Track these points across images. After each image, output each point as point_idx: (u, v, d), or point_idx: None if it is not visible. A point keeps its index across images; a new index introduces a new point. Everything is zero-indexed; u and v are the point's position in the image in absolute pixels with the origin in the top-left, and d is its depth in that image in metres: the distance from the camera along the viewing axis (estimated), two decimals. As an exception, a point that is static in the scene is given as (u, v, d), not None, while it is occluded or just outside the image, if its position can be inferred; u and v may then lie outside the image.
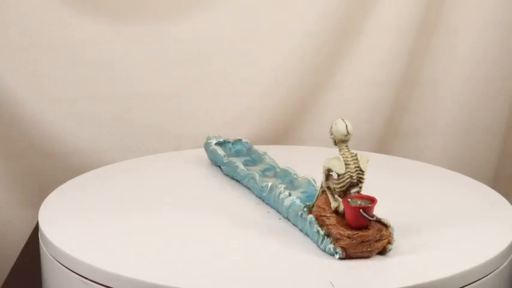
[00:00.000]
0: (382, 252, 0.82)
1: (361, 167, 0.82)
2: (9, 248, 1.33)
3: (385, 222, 0.83)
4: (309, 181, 0.98)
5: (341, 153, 0.83)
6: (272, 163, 1.07)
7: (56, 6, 1.26)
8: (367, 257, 0.82)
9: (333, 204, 0.83)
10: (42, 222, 0.92)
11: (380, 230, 0.82)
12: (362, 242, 0.80)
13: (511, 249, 0.87)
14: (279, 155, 1.23)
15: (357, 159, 0.83)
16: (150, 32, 1.31)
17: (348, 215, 0.81)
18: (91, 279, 0.80)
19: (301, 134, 1.39)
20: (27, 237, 1.22)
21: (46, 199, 1.00)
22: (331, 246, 0.81)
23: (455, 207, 0.99)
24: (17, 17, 1.26)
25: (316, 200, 0.86)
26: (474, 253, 0.84)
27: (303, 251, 0.84)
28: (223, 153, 1.11)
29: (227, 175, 1.09)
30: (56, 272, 0.86)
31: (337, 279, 0.77)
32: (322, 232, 0.83)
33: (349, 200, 0.82)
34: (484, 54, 1.38)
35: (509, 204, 0.99)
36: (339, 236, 0.81)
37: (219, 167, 1.12)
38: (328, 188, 0.84)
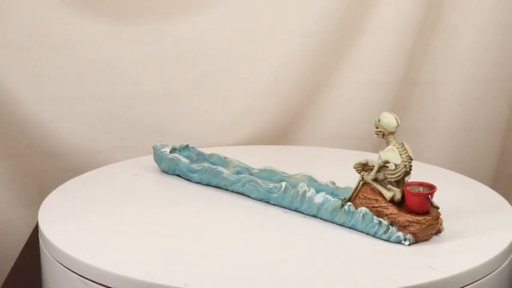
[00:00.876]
0: (437, 233, 0.88)
1: (410, 155, 0.87)
2: (9, 248, 1.33)
3: (436, 205, 0.87)
4: (309, 177, 0.99)
5: (392, 144, 0.87)
6: (243, 165, 1.06)
7: (56, 6, 1.26)
8: (428, 240, 0.86)
9: (388, 194, 0.87)
10: (42, 222, 0.92)
11: (437, 213, 0.87)
12: (429, 225, 0.86)
13: (511, 249, 0.87)
14: (279, 155, 1.23)
15: (405, 148, 0.87)
16: (150, 32, 1.31)
17: (414, 202, 0.86)
18: (91, 279, 0.80)
19: (301, 134, 1.39)
20: (27, 237, 1.22)
21: (46, 199, 1.00)
22: (400, 234, 0.85)
23: (455, 207, 0.99)
24: (17, 17, 1.26)
25: (354, 194, 0.90)
26: (474, 253, 0.84)
27: (362, 242, 0.87)
28: (188, 160, 1.08)
29: (199, 182, 1.06)
30: (56, 272, 0.86)
31: (423, 262, 0.82)
32: (385, 222, 0.86)
33: (408, 187, 0.87)
34: (484, 54, 1.38)
35: (509, 205, 1.00)
36: (407, 223, 0.85)
37: (177, 175, 1.09)
38: (375, 180, 0.88)
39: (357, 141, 1.39)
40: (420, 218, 0.85)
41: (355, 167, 0.91)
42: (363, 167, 0.91)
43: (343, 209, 0.90)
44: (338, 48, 1.35)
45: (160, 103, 1.33)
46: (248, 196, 1.01)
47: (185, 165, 1.07)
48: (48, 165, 1.32)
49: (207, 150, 1.28)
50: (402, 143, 0.88)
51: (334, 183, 0.97)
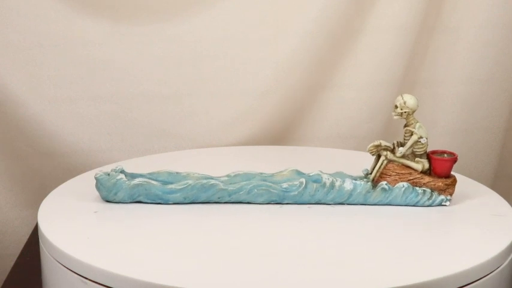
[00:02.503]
0: None
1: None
2: (9, 248, 1.33)
3: None
4: (297, 171, 0.99)
5: (416, 121, 0.99)
6: (205, 175, 0.99)
7: (56, 6, 1.26)
8: None
9: (419, 166, 0.98)
10: (42, 222, 0.92)
11: (454, 175, 1.00)
12: (455, 185, 0.99)
13: (511, 249, 0.87)
14: (279, 155, 1.23)
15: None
16: (150, 32, 1.31)
17: (446, 167, 0.99)
18: (91, 279, 0.80)
19: (301, 134, 1.39)
20: (27, 237, 1.22)
21: (46, 199, 1.00)
22: (442, 196, 0.98)
23: (455, 207, 0.99)
24: (17, 17, 1.26)
25: (378, 173, 0.98)
26: (474, 253, 0.84)
27: (413, 214, 0.95)
28: (157, 182, 0.98)
29: (179, 203, 0.98)
30: (56, 272, 0.86)
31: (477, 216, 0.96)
32: (428, 190, 0.97)
33: (435, 156, 0.99)
34: (484, 54, 1.38)
35: (509, 205, 1.00)
36: (446, 187, 0.98)
37: (137, 202, 0.98)
38: (402, 156, 0.98)
39: (357, 141, 1.39)
40: (452, 180, 0.98)
41: (370, 150, 0.99)
42: (377, 148, 0.99)
43: (379, 188, 0.97)
44: (338, 48, 1.35)
45: (160, 103, 1.33)
46: (249, 203, 0.98)
47: (160, 188, 0.97)
48: (48, 165, 1.32)
49: (207, 151, 1.28)
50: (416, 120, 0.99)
51: (322, 171, 0.99)
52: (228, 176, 1.00)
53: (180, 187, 0.98)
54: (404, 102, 0.98)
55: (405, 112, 0.98)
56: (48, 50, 1.28)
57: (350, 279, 0.78)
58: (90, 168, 1.18)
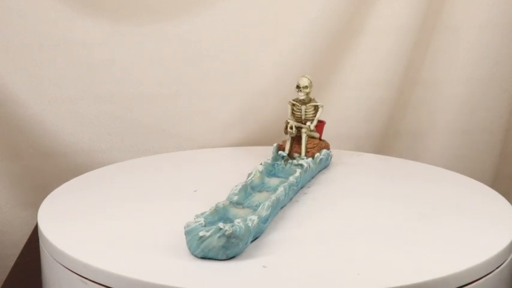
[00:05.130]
0: None
1: None
2: (9, 248, 1.33)
3: None
4: (259, 172, 1.01)
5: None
6: (223, 201, 0.89)
7: (56, 6, 1.26)
8: None
9: (317, 134, 1.14)
10: (42, 222, 0.92)
11: None
12: None
13: (511, 248, 0.87)
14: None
15: None
16: (150, 32, 1.31)
17: (322, 131, 1.17)
18: (91, 279, 0.80)
19: (301, 134, 1.39)
20: (27, 237, 1.22)
21: (46, 199, 1.00)
22: (331, 153, 1.16)
23: (455, 207, 0.99)
24: (17, 17, 1.26)
25: (305, 148, 1.10)
26: (474, 253, 0.84)
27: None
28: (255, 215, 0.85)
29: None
30: (56, 272, 0.86)
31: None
32: (329, 151, 1.15)
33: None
34: (484, 54, 1.38)
35: (509, 204, 1.00)
36: (329, 146, 1.17)
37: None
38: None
39: (357, 141, 1.39)
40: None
41: (294, 133, 1.10)
42: (298, 128, 1.10)
43: (318, 160, 1.09)
44: (338, 48, 1.35)
45: (160, 103, 1.33)
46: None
47: (261, 220, 0.85)
48: (48, 165, 1.32)
49: (206, 151, 1.28)
50: None
51: (266, 162, 1.05)
52: (234, 193, 0.92)
53: (268, 212, 0.87)
54: (310, 82, 1.11)
55: (310, 90, 1.11)
56: (48, 50, 1.28)
57: (347, 280, 0.78)
58: (91, 168, 1.18)
